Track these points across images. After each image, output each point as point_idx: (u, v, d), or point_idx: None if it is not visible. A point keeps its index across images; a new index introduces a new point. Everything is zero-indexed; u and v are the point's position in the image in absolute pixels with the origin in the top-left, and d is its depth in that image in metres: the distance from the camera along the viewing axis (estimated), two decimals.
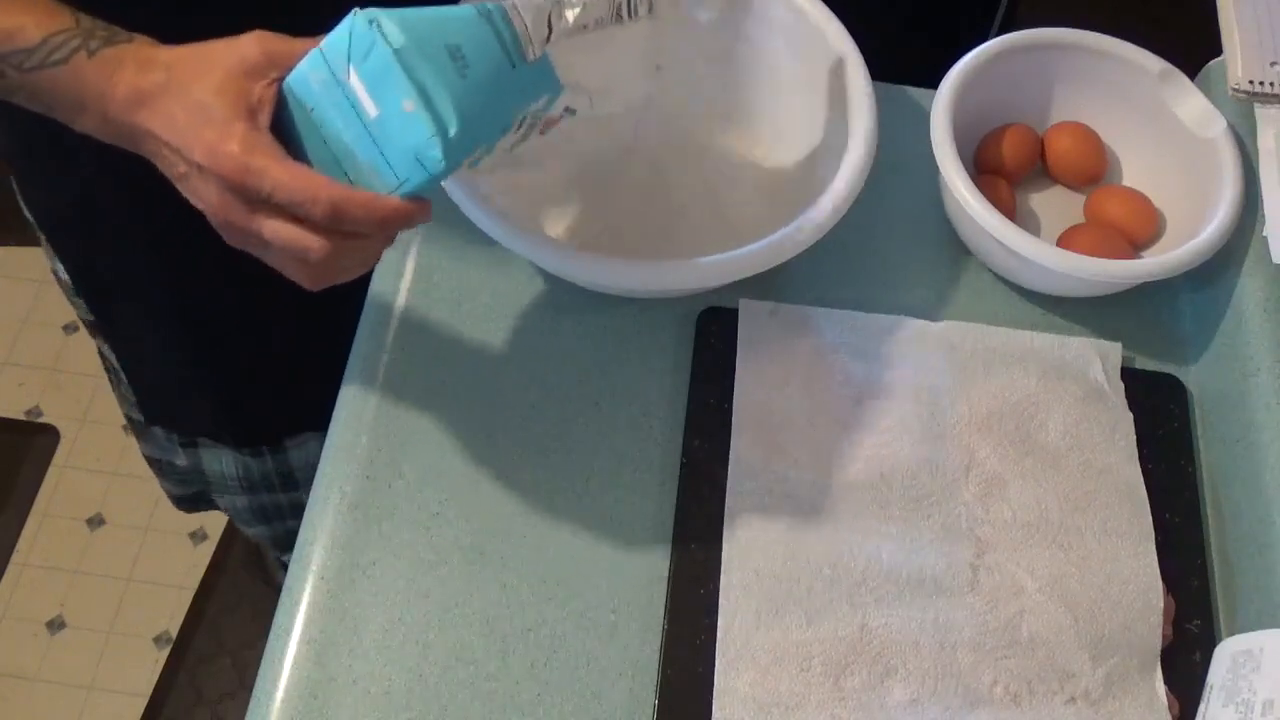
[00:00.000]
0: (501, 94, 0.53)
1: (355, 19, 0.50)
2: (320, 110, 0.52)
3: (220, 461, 1.03)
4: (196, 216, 0.79)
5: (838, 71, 0.73)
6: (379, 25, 0.50)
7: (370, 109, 0.51)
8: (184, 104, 0.51)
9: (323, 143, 0.53)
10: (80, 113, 0.54)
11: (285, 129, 0.53)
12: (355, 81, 0.50)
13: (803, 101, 0.76)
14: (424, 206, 0.53)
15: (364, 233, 0.52)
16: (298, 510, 1.09)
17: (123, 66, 0.52)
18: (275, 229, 0.51)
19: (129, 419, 1.05)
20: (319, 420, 1.01)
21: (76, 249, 0.85)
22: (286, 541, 1.17)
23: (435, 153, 0.50)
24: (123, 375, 0.98)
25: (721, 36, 0.77)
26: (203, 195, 0.52)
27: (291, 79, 0.53)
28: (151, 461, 1.10)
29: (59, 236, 0.84)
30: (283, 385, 0.94)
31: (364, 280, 0.87)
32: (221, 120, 0.51)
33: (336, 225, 0.51)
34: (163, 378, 0.96)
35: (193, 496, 1.13)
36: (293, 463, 1.03)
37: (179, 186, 0.54)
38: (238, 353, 0.91)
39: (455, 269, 0.76)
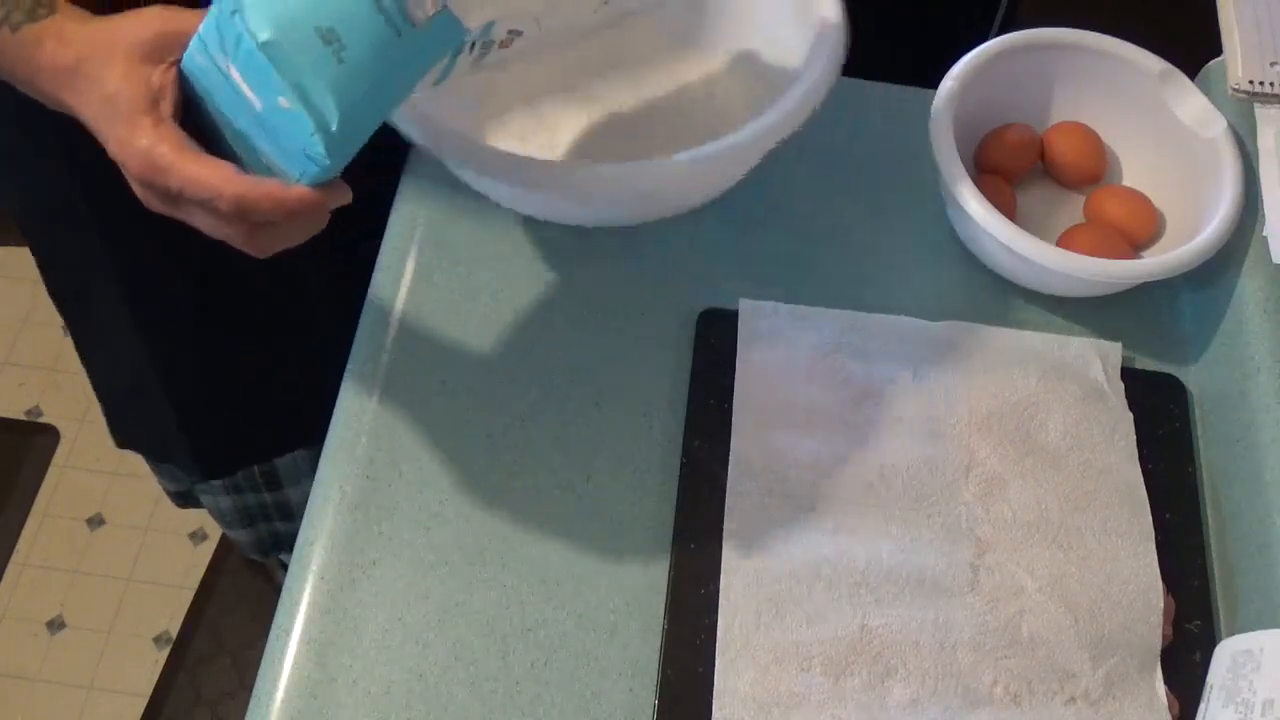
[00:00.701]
0: (393, 67, 0.48)
1: (220, 6, 0.47)
2: (214, 97, 0.50)
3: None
4: (162, 226, 0.79)
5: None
6: (242, 16, 0.46)
7: (255, 102, 0.48)
8: (97, 93, 0.51)
9: (228, 125, 0.51)
10: (27, 85, 0.53)
11: (197, 108, 0.51)
12: (235, 73, 0.48)
13: (769, 17, 0.74)
14: (334, 191, 0.51)
15: (276, 220, 0.51)
16: (284, 511, 1.10)
17: (41, 45, 0.52)
18: (195, 219, 0.51)
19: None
20: (294, 442, 1.01)
21: (48, 249, 0.85)
22: (270, 545, 1.17)
23: (319, 149, 0.48)
24: (97, 393, 0.97)
25: None
26: (130, 182, 0.52)
27: (184, 63, 0.50)
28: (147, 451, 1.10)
29: (31, 238, 0.84)
30: (248, 410, 0.94)
31: (331, 306, 0.87)
32: (127, 114, 0.50)
33: (245, 218, 0.50)
34: (130, 400, 0.95)
35: (187, 493, 1.13)
36: (277, 462, 1.03)
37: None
38: (198, 369, 0.90)
39: (455, 269, 0.76)
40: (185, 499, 1.14)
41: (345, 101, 0.47)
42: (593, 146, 0.77)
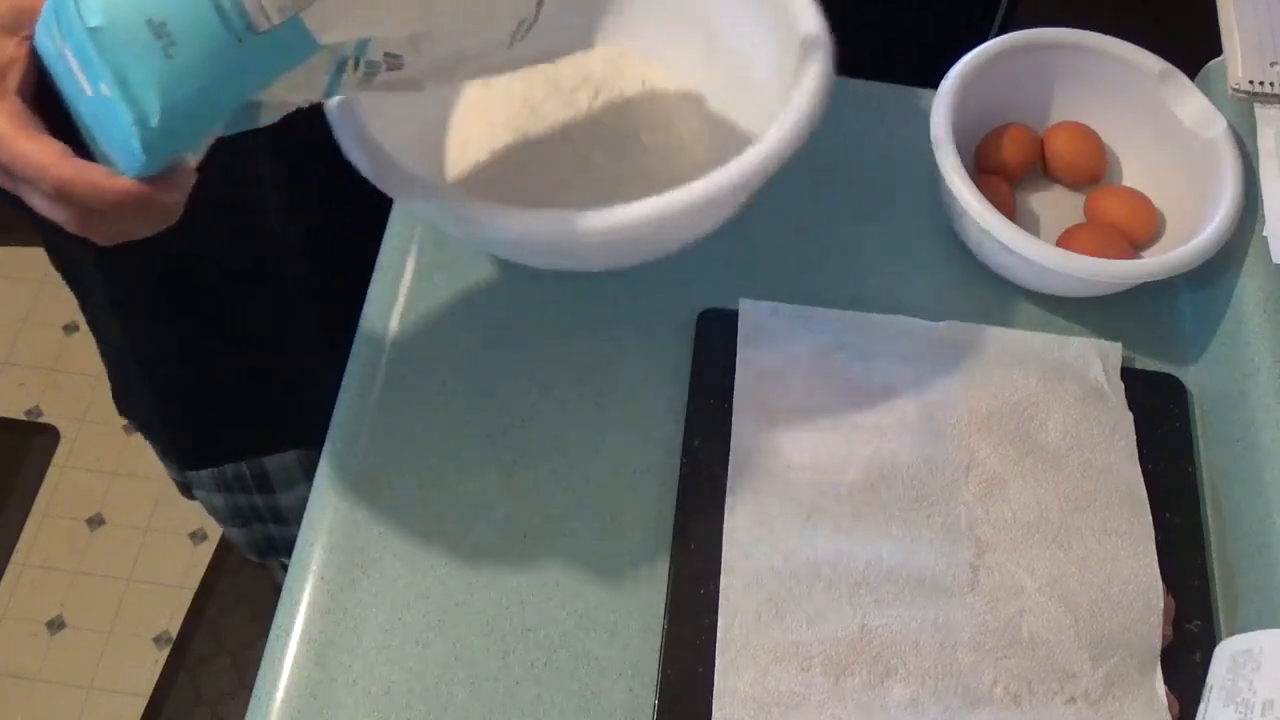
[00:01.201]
0: (228, 71, 0.46)
1: None
2: (57, 77, 0.48)
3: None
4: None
5: (784, 15, 0.69)
6: None
7: (86, 87, 0.46)
8: None
9: (73, 108, 0.49)
10: None
11: (55, 88, 0.49)
12: (69, 56, 0.46)
13: (755, 55, 0.72)
14: (163, 186, 0.48)
15: (101, 210, 0.49)
16: (276, 515, 1.10)
17: None
18: (30, 199, 0.49)
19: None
20: (275, 444, 1.00)
21: (46, 234, 0.85)
22: (266, 548, 1.17)
23: (135, 144, 0.45)
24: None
25: None
26: None
27: (35, 39, 0.48)
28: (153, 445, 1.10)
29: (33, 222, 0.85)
30: (228, 402, 0.94)
31: (311, 302, 0.87)
32: None
33: (69, 203, 0.48)
34: (126, 375, 0.96)
35: (189, 484, 1.13)
36: (267, 466, 1.03)
37: None
38: (173, 364, 0.90)
39: (455, 269, 0.76)
40: (188, 490, 1.14)
41: (169, 99, 0.45)
42: (560, 187, 0.74)
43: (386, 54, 0.50)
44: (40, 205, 0.49)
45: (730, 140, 0.73)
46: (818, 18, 0.68)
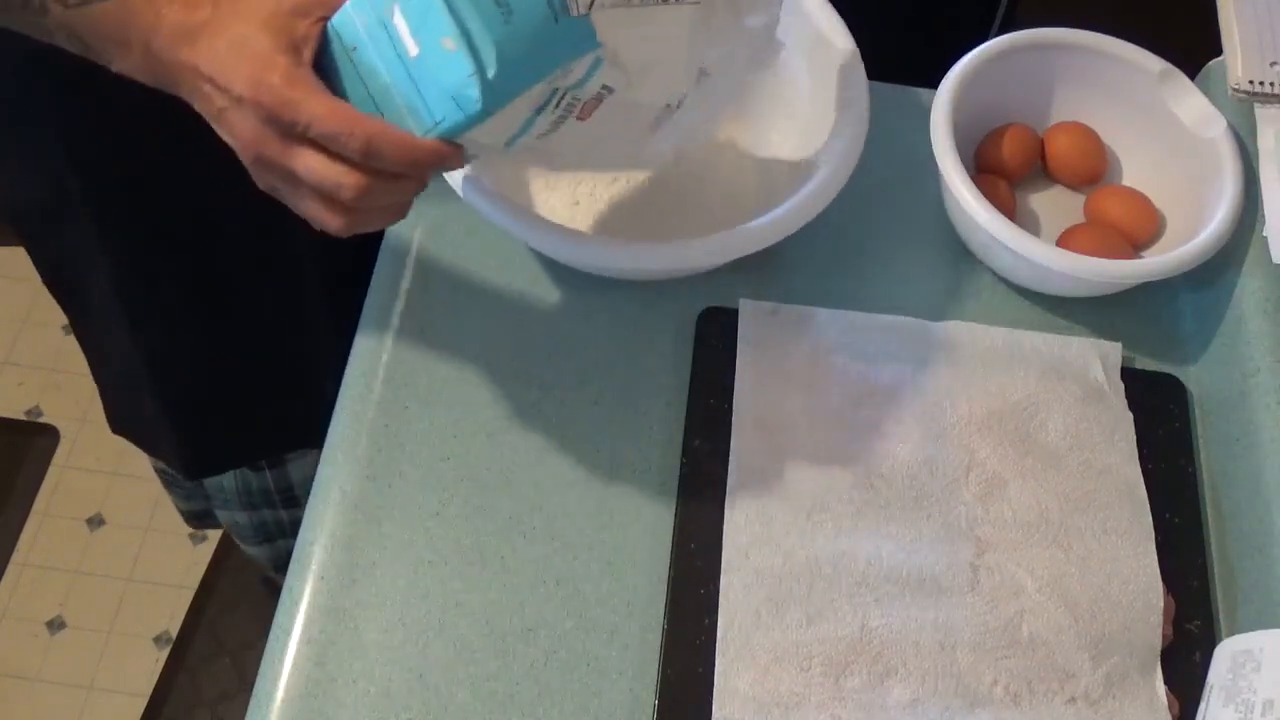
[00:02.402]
0: (543, 45, 0.51)
1: None
2: (362, 50, 0.52)
3: (220, 474, 1.02)
4: (160, 222, 0.78)
5: (830, 60, 0.73)
6: None
7: (411, 48, 0.50)
8: (228, 38, 0.51)
9: (361, 85, 0.53)
10: (122, 49, 0.53)
11: (326, 71, 0.53)
12: (399, 20, 0.50)
13: (796, 88, 0.76)
14: (456, 151, 0.53)
15: (397, 171, 0.52)
16: (299, 528, 1.09)
17: (170, 1, 0.52)
18: (309, 163, 0.51)
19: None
20: (282, 443, 1.00)
21: (43, 243, 0.85)
22: (287, 562, 1.16)
23: (473, 92, 0.50)
24: (97, 382, 0.97)
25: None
26: (239, 129, 0.52)
27: (336, 19, 0.52)
28: (159, 473, 1.09)
29: (28, 231, 0.84)
30: (239, 406, 0.94)
31: (327, 296, 0.87)
32: (265, 53, 0.50)
33: (370, 161, 0.51)
34: (124, 389, 0.95)
35: (199, 513, 1.12)
36: (293, 478, 1.03)
37: (216, 125, 0.53)
38: (187, 366, 0.90)
39: (455, 269, 0.76)
40: (196, 519, 1.13)
41: (505, 57, 0.50)
42: (611, 205, 0.79)
43: (604, 86, 0.56)
44: (322, 169, 0.51)
45: (772, 152, 0.78)
46: (848, 37, 0.73)
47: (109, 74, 0.54)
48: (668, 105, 0.62)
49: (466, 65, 0.50)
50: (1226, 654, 0.62)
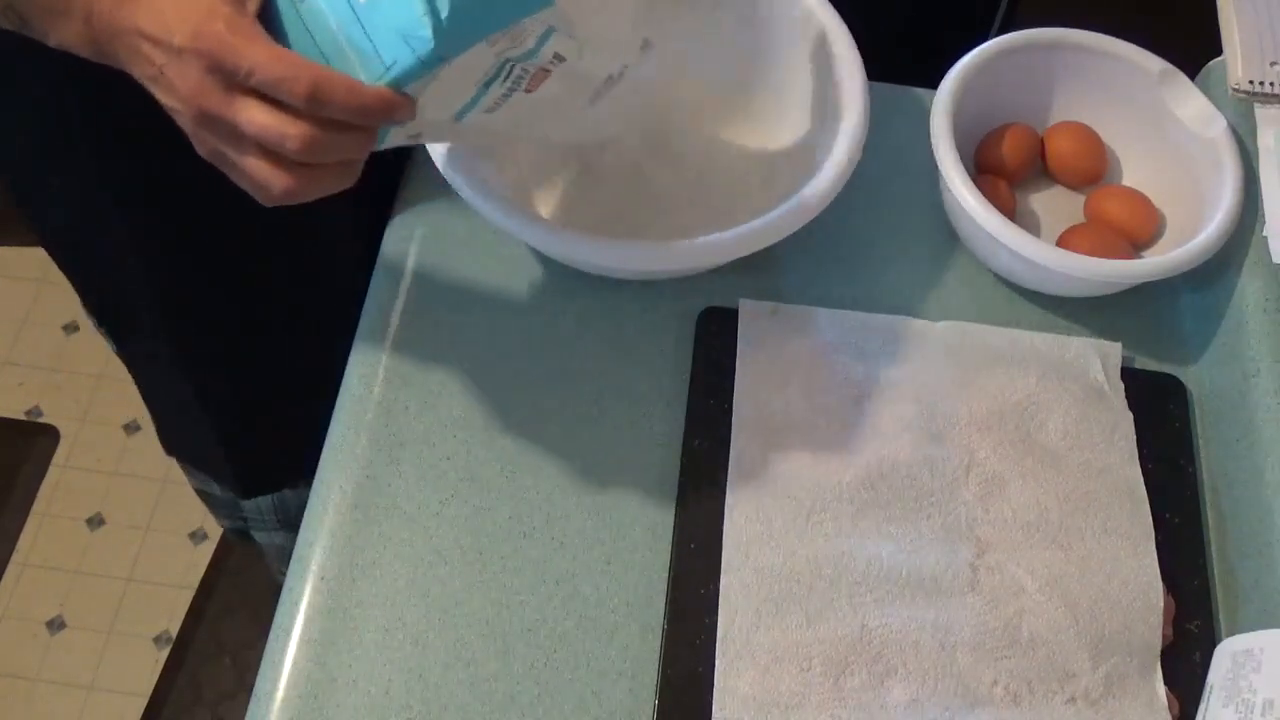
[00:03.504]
0: None
1: None
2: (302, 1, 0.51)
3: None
4: (193, 226, 0.77)
5: (829, 57, 0.73)
6: None
7: None
8: None
9: (309, 37, 0.51)
10: (62, 18, 0.52)
11: (272, 28, 0.52)
12: None
13: (797, 88, 0.76)
14: (406, 101, 0.51)
15: (344, 119, 0.50)
16: None
17: None
18: (252, 115, 0.49)
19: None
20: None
21: (88, 278, 0.85)
22: None
23: (425, 32, 0.48)
24: (146, 403, 0.97)
25: (722, 20, 0.77)
26: (179, 83, 0.50)
27: None
28: (198, 493, 1.09)
29: (65, 260, 0.84)
30: (286, 431, 0.93)
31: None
32: (208, 3, 0.49)
33: (316, 108, 0.49)
34: (175, 414, 0.95)
35: (241, 531, 1.12)
36: None
37: (154, 88, 0.52)
38: (237, 396, 0.90)
39: (455, 270, 0.76)
40: (238, 535, 1.13)
41: (457, 1, 0.49)
42: (600, 203, 0.79)
43: (556, 54, 0.54)
44: (265, 119, 0.50)
45: (772, 152, 0.78)
46: (848, 36, 0.73)
47: (136, 91, 0.54)
48: (609, 77, 0.61)
49: (418, 5, 0.48)
50: (1226, 654, 0.62)
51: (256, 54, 0.49)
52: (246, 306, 0.84)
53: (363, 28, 0.50)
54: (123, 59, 0.52)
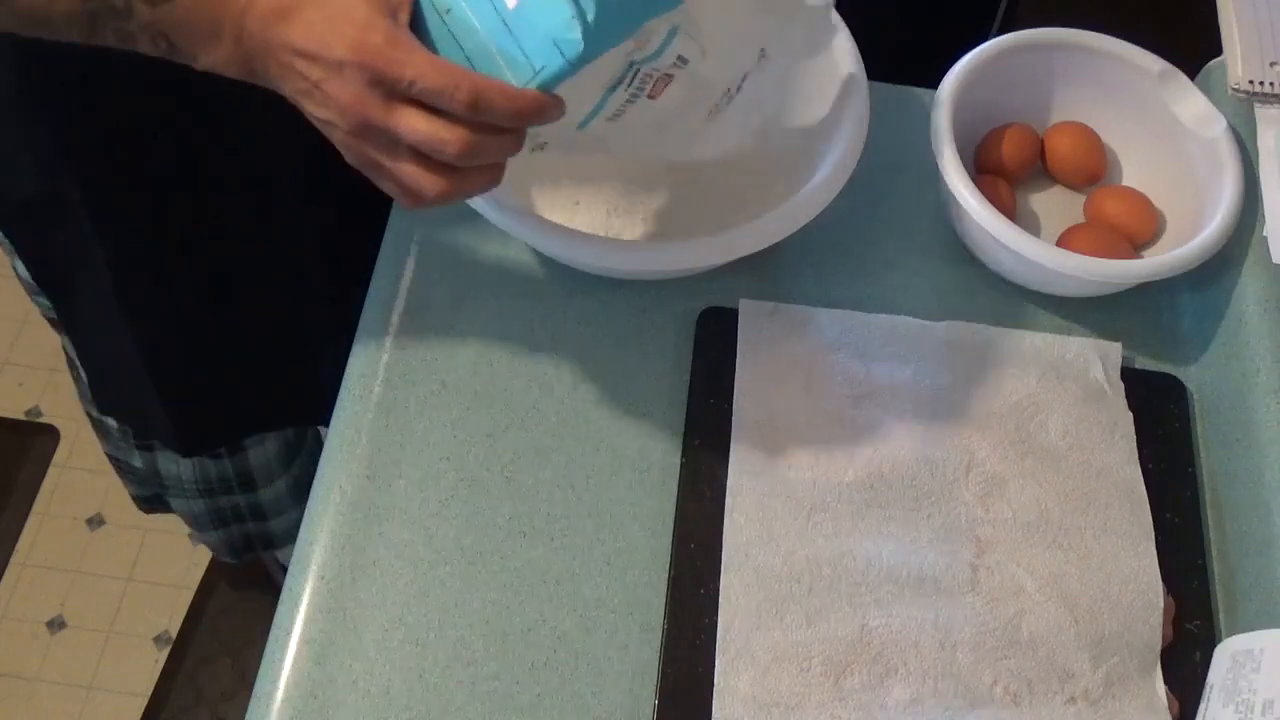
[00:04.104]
0: None
1: None
2: (456, 9, 0.52)
3: (177, 464, 1.02)
4: (151, 199, 0.77)
5: (829, 61, 0.73)
6: None
7: (509, 0, 0.51)
8: (324, 11, 0.52)
9: (457, 46, 0.53)
10: (212, 40, 0.53)
11: (419, 37, 0.53)
12: None
13: (797, 88, 0.76)
14: (558, 101, 0.53)
15: (500, 124, 0.52)
16: (256, 512, 1.10)
17: None
18: (413, 123, 0.51)
19: (88, 414, 1.05)
20: (277, 421, 1.01)
21: (33, 240, 0.85)
22: (243, 547, 1.17)
23: (574, 35, 0.50)
24: (81, 370, 0.97)
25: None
26: (340, 96, 0.52)
27: None
28: (111, 459, 1.10)
29: (15, 228, 0.84)
30: (231, 388, 0.94)
31: (323, 279, 0.88)
32: (364, 17, 0.51)
33: (476, 114, 0.51)
34: (115, 375, 0.95)
35: (150, 498, 1.12)
36: (252, 463, 1.03)
37: (308, 102, 0.53)
38: (183, 357, 0.90)
39: (455, 269, 0.76)
40: (146, 503, 1.14)
41: (602, 2, 0.50)
42: (602, 204, 0.79)
43: (680, 56, 0.56)
44: (426, 128, 0.51)
45: (772, 152, 0.78)
46: (848, 36, 0.73)
47: (107, 70, 0.54)
48: (728, 90, 0.62)
49: (566, 9, 0.50)
50: (1226, 654, 0.62)
51: (419, 65, 0.50)
52: (201, 267, 0.84)
53: (511, 34, 0.51)
54: (274, 76, 0.54)
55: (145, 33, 0.53)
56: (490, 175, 0.56)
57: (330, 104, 0.52)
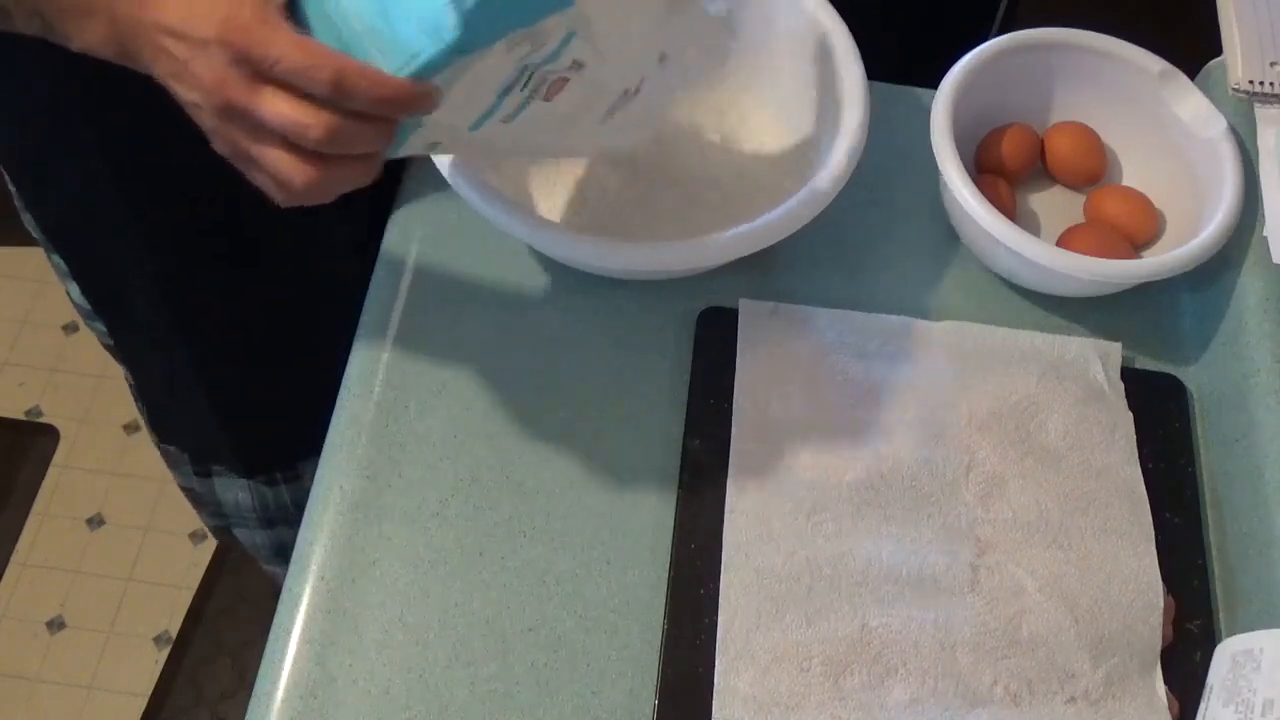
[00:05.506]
0: None
1: None
2: None
3: (234, 491, 1.02)
4: (191, 205, 0.76)
5: (830, 61, 0.73)
6: None
7: None
8: None
9: (333, 29, 0.51)
10: (86, 19, 0.52)
11: (297, 22, 0.52)
12: None
13: (797, 88, 0.76)
14: (430, 92, 0.51)
15: (366, 110, 0.50)
16: None
17: None
18: (276, 105, 0.49)
19: (157, 449, 1.04)
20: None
21: (81, 255, 0.85)
22: None
23: (449, 19, 0.48)
24: (139, 399, 0.97)
25: (722, 30, 0.77)
26: (202, 76, 0.50)
27: None
28: (184, 491, 1.09)
29: (63, 243, 0.84)
30: (287, 406, 0.94)
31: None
32: None
33: (340, 97, 0.49)
34: (170, 396, 0.95)
35: (221, 529, 1.12)
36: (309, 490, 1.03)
37: (177, 85, 0.52)
38: (238, 374, 0.90)
39: (456, 269, 0.76)
40: (224, 534, 1.13)
41: None
42: (601, 204, 0.79)
43: (575, 60, 0.54)
44: (288, 110, 0.49)
45: (772, 152, 0.79)
46: (848, 36, 0.73)
47: (143, 80, 0.53)
48: (625, 91, 0.61)
49: None
50: (1226, 654, 0.62)
51: (282, 43, 0.49)
52: (247, 284, 0.84)
53: (388, 18, 0.50)
54: (145, 57, 0.52)
55: (20, 9, 0.53)
56: (362, 167, 0.53)
57: (196, 85, 0.50)
